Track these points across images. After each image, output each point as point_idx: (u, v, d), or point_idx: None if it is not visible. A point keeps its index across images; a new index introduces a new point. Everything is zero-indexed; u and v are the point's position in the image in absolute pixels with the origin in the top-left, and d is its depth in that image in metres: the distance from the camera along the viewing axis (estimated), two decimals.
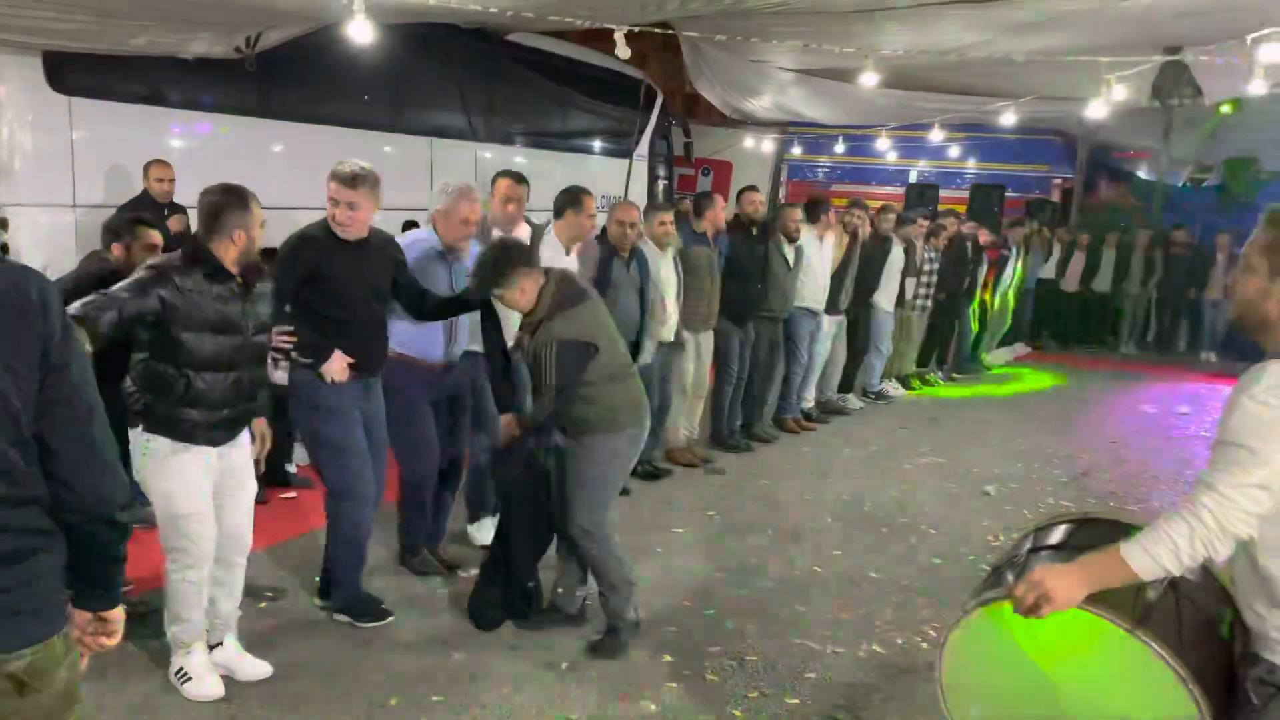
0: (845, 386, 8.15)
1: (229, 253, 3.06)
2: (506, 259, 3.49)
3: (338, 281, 3.59)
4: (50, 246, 6.15)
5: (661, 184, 14.53)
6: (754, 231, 6.41)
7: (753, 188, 6.68)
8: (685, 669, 3.57)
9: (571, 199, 4.84)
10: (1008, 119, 9.47)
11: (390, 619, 3.80)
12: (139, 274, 2.99)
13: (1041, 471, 6.54)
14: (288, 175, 7.36)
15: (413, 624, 3.82)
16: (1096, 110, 6.99)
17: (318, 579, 3.96)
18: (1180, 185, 15.13)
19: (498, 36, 9.88)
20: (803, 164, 16.18)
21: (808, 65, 9.35)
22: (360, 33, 4.78)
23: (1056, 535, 2.38)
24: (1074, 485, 6.27)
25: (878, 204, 9.47)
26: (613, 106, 12.59)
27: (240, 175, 7.97)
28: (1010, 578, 2.13)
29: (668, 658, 3.65)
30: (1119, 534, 1.98)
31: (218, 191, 3.10)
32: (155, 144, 6.70)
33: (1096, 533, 2.23)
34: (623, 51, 5.00)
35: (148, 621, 3.53)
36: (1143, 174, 15.55)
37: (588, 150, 12.53)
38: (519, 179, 4.50)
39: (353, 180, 3.53)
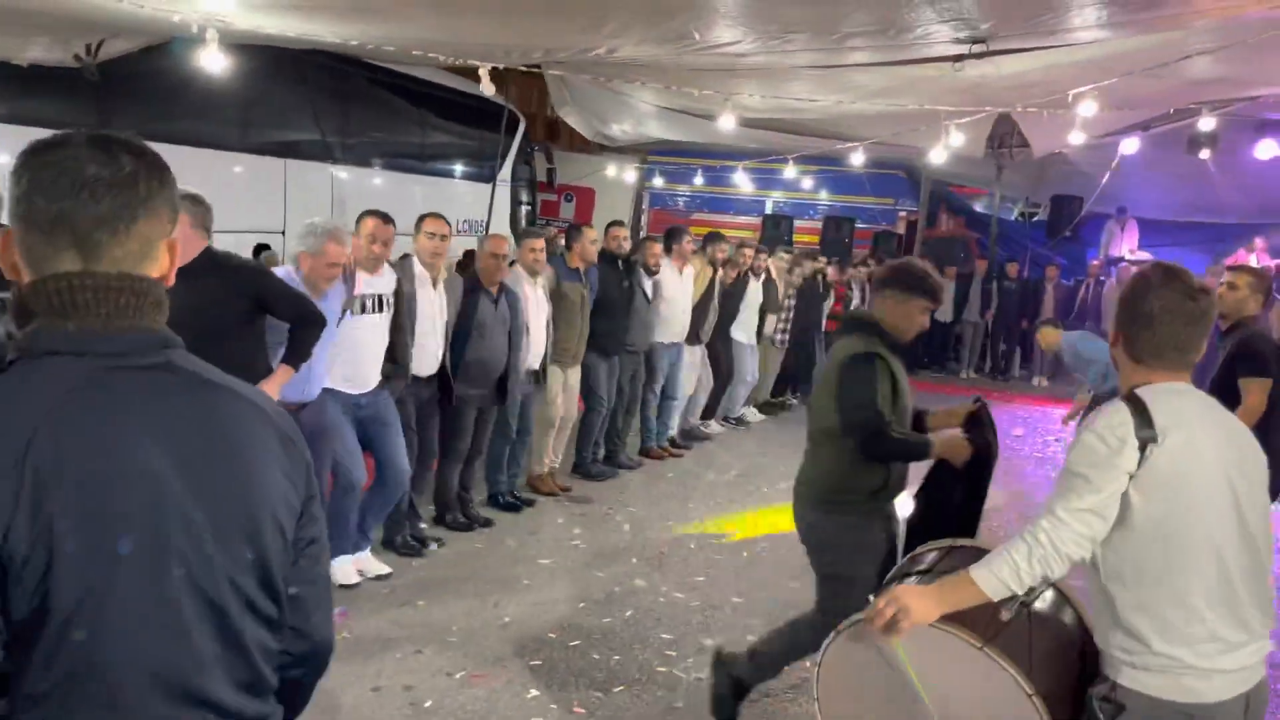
0: (707, 414, 8.33)
1: None
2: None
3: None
4: None
5: (524, 209, 14.54)
6: (619, 265, 6.50)
7: (618, 223, 6.76)
8: (552, 703, 3.55)
9: (417, 220, 4.81)
10: (856, 158, 9.97)
11: None
12: None
13: None
14: None
15: None
16: (937, 155, 7.45)
17: None
18: (1012, 219, 16.22)
19: (355, 56, 9.71)
20: (664, 193, 16.49)
21: (671, 103, 9.61)
22: (213, 62, 4.62)
23: (925, 561, 2.52)
24: None
25: (740, 234, 9.78)
26: (474, 130, 12.53)
27: None
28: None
29: (533, 692, 3.63)
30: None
31: None
32: None
33: (962, 559, 2.37)
34: (487, 88, 5.01)
35: None
36: (979, 208, 16.59)
37: (449, 174, 12.43)
38: (386, 219, 4.40)
39: None
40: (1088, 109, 6.10)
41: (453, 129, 12.39)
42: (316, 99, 9.71)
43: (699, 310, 7.44)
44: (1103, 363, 7.46)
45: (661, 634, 4.20)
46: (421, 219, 4.78)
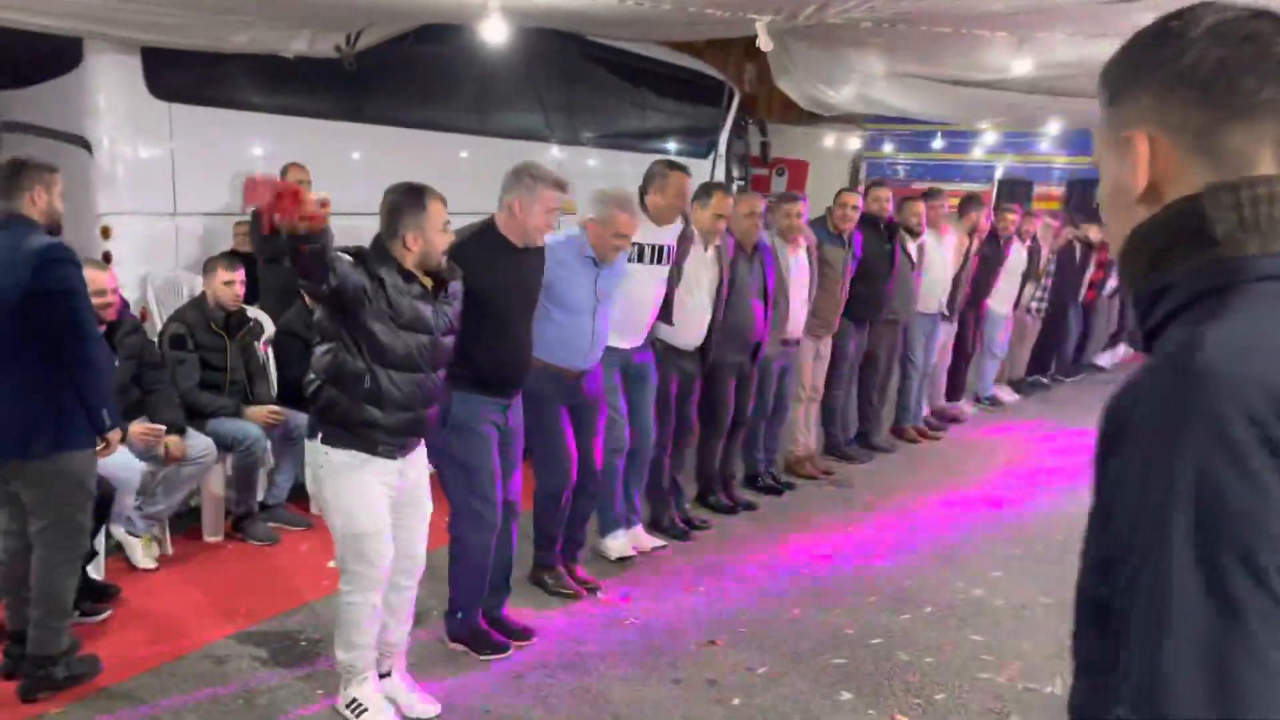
0: (953, 393, 7.74)
1: (406, 256, 2.86)
2: None
3: (494, 289, 3.31)
4: (150, 255, 6.06)
5: (736, 185, 14.23)
6: (881, 227, 6.06)
7: (879, 182, 6.31)
8: (869, 709, 3.24)
9: (702, 191, 4.57)
10: None
11: (508, 652, 3.49)
12: (345, 255, 2.78)
13: None
14: (380, 179, 7.21)
15: (557, 649, 3.55)
16: None
17: (444, 613, 3.61)
18: None
19: (576, 35, 9.68)
20: (882, 161, 15.74)
21: (906, 68, 8.99)
22: (495, 33, 4.58)
23: None
24: None
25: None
26: (690, 106, 12.34)
27: (338, 180, 7.99)
28: None
29: (845, 694, 3.33)
30: None
31: (394, 191, 2.91)
32: (256, 150, 6.61)
33: None
34: (765, 44, 4.68)
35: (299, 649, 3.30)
36: None
37: (663, 151, 12.28)
38: (687, 171, 4.22)
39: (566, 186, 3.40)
40: None
41: (667, 106, 12.24)
42: (540, 81, 9.79)
43: (954, 282, 6.91)
44: None
45: (971, 635, 3.80)
46: (710, 192, 4.51)
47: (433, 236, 2.87)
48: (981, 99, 9.87)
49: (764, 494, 5.47)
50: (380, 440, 2.87)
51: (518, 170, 3.34)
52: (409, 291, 2.85)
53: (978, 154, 14.13)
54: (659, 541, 4.54)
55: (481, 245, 3.31)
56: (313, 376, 2.90)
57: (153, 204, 6.14)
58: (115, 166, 6.03)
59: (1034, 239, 7.80)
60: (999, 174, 14.68)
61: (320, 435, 2.90)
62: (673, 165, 4.21)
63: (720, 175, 12.81)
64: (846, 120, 14.21)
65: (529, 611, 3.82)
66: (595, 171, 10.19)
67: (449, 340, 3.01)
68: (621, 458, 4.25)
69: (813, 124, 15.15)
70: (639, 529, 4.55)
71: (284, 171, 5.95)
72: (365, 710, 2.99)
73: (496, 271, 3.29)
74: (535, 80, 9.73)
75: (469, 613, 3.54)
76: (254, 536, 4.41)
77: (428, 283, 2.92)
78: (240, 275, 4.48)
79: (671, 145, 12.38)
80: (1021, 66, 5.74)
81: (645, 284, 4.21)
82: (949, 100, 10.35)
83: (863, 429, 6.54)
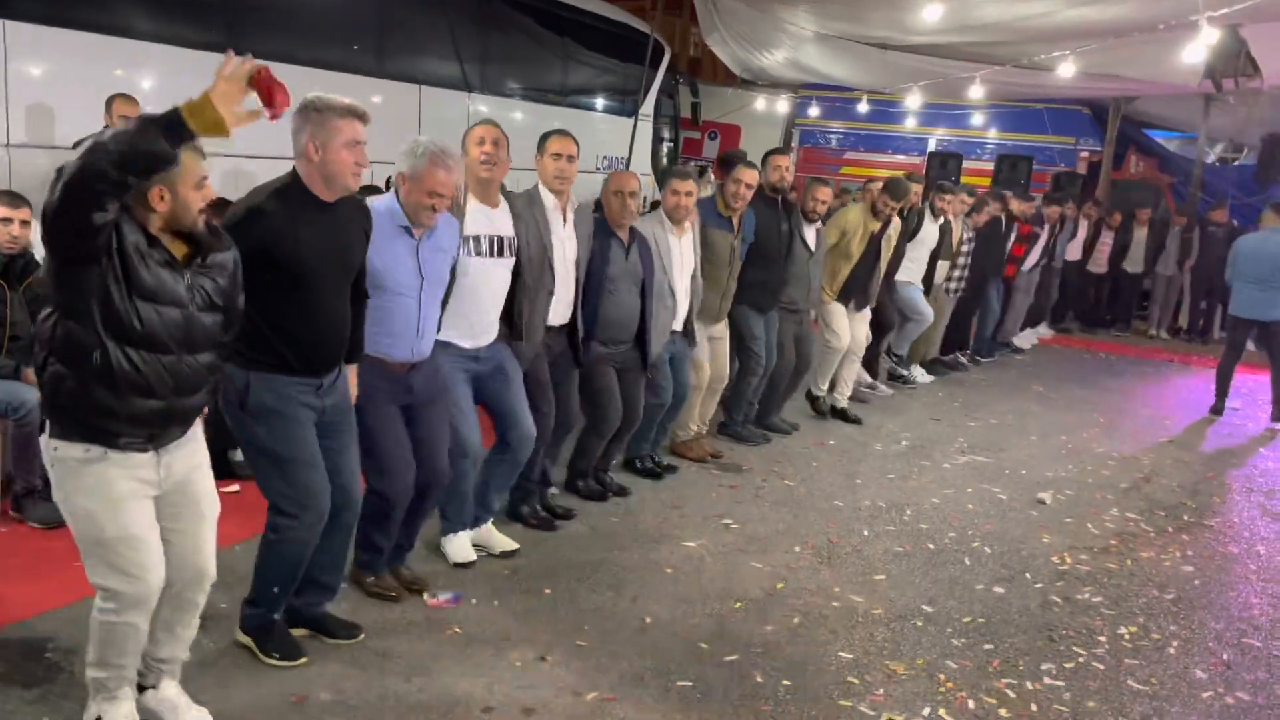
0: (867, 370, 7.35)
1: (150, 217, 2.29)
2: None
3: (301, 255, 2.76)
4: None
5: (666, 146, 13.68)
6: (780, 204, 5.57)
7: (780, 151, 5.79)
8: None
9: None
10: (1039, 90, 8.68)
11: (303, 660, 3.00)
12: None
13: (1097, 475, 5.78)
14: (260, 121, 6.58)
15: (358, 662, 3.04)
16: (1192, 54, 6.02)
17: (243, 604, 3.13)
18: (1210, 162, 14.37)
19: None
20: (815, 129, 15.32)
21: (833, 28, 8.57)
22: None
23: None
24: (1137, 493, 5.51)
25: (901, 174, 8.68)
26: (617, 61, 11.76)
27: None
28: None
29: None
30: None
31: None
32: (105, 77, 5.90)
33: None
34: None
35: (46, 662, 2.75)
36: (1172, 149, 14.76)
37: (589, 107, 11.69)
38: (494, 123, 3.65)
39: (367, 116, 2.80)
40: None
41: (594, 59, 11.65)
42: (454, 23, 9.15)
43: (866, 269, 6.45)
44: None
45: (839, 652, 3.38)
46: (545, 137, 3.98)
47: (185, 194, 2.30)
48: (910, 64, 9.50)
49: (642, 477, 5.01)
50: (120, 431, 2.33)
51: (303, 105, 2.75)
52: (152, 256, 2.29)
53: (910, 125, 13.79)
54: (509, 544, 4.02)
55: (284, 202, 2.73)
56: (38, 350, 2.34)
57: None
58: None
59: (946, 219, 7.40)
60: (931, 147, 14.36)
61: (48, 426, 2.35)
62: (478, 122, 3.68)
63: (647, 136, 12.27)
64: (779, 83, 13.77)
65: (341, 612, 3.31)
66: (518, 124, 9.56)
67: (210, 319, 2.44)
68: (466, 460, 3.73)
69: (746, 86, 14.69)
70: (487, 527, 4.04)
71: (109, 103, 5.29)
72: None
73: (303, 233, 2.73)
74: (450, 23, 9.10)
75: (268, 608, 3.04)
76: (34, 518, 3.80)
77: (178, 250, 2.36)
78: (23, 214, 3.83)
79: (597, 100, 11.80)
80: (933, 14, 5.29)
81: (488, 279, 3.67)
82: (878, 65, 9.96)
83: (761, 411, 6.11)
